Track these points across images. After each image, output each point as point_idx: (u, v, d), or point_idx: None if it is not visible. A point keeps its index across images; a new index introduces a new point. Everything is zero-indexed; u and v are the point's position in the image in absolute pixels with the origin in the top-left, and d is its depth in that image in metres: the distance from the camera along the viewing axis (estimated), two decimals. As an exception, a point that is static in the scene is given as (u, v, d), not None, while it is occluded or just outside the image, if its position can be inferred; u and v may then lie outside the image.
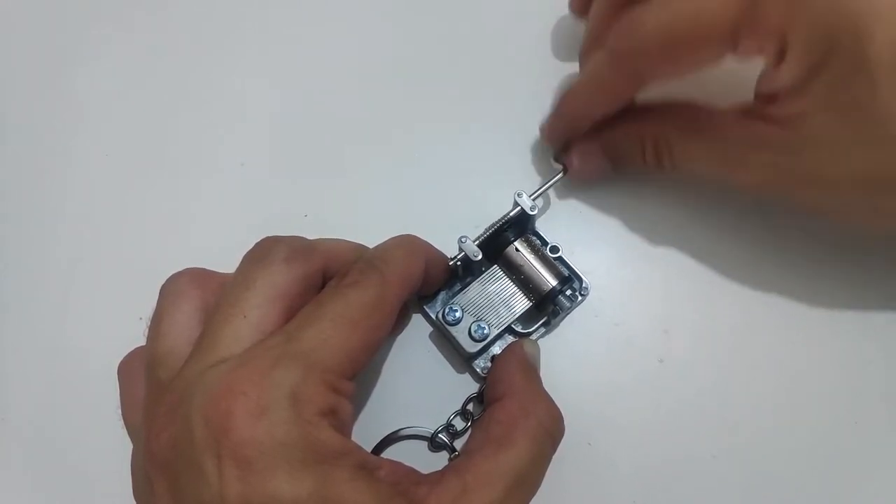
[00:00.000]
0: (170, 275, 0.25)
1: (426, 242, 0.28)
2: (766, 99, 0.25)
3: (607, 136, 0.30)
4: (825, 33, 0.22)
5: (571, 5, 0.33)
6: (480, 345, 0.29)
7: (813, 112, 0.23)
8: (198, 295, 0.24)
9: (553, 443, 0.25)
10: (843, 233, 0.31)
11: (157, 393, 0.22)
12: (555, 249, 0.31)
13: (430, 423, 0.29)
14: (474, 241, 0.29)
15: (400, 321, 0.31)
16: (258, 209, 0.34)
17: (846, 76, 0.22)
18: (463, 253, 0.28)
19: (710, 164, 0.28)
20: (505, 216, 0.29)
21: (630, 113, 0.30)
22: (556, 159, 0.32)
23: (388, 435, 0.29)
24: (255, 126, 0.36)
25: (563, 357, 0.30)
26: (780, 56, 0.23)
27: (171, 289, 0.24)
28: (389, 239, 0.27)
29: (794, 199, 0.27)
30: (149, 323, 0.24)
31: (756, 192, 0.28)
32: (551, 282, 0.29)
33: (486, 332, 0.29)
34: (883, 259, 0.31)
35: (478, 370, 0.30)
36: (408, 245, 0.26)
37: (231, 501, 0.19)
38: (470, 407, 0.30)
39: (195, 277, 0.24)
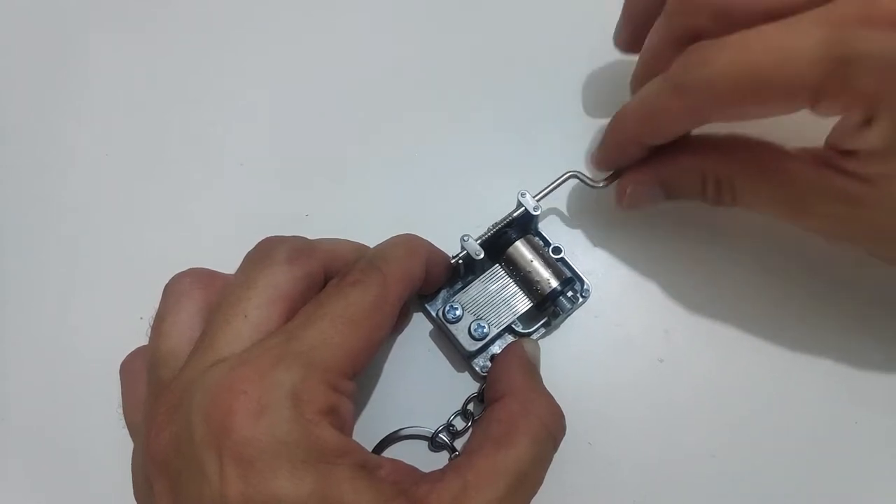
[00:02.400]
0: (171, 274, 0.25)
1: (427, 241, 0.28)
2: (844, 152, 0.23)
3: (665, 168, 0.29)
4: None
5: (617, 38, 0.31)
6: (480, 343, 0.29)
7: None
8: (201, 295, 0.24)
9: (554, 442, 0.25)
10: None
11: (158, 392, 0.22)
12: (557, 250, 0.31)
13: (431, 423, 0.29)
14: (477, 240, 0.29)
15: (401, 320, 0.31)
16: (258, 209, 0.34)
17: None
18: (465, 251, 0.28)
19: (775, 207, 0.27)
20: (508, 216, 0.29)
21: (690, 143, 0.28)
22: (608, 181, 0.31)
23: (389, 435, 0.29)
24: (255, 126, 0.36)
25: (563, 357, 0.30)
26: (867, 121, 0.22)
27: (175, 288, 0.24)
28: (390, 238, 0.27)
29: (866, 249, 0.27)
30: (151, 322, 0.24)
31: (822, 236, 0.27)
32: (552, 283, 0.29)
33: (485, 331, 0.29)
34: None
35: (477, 369, 0.30)
36: (408, 244, 0.26)
37: (232, 500, 0.19)
38: (470, 406, 0.30)
39: (198, 277, 0.24)
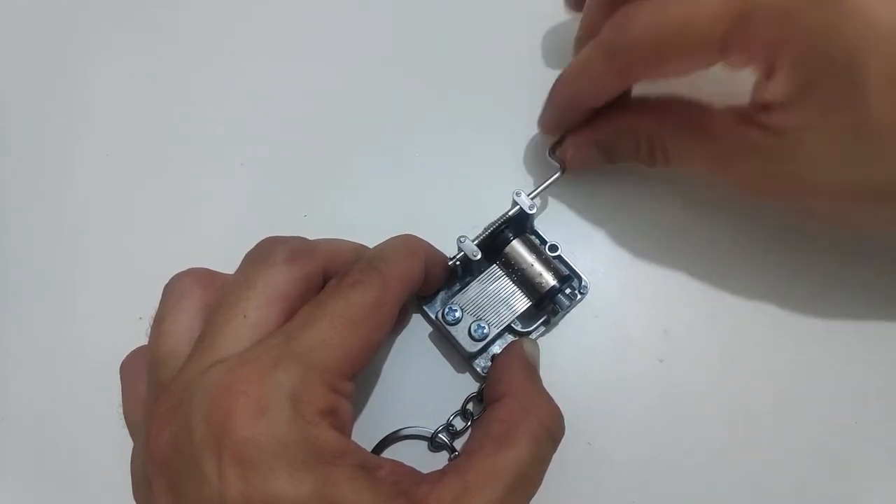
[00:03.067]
0: (171, 275, 0.25)
1: (426, 242, 0.28)
2: (759, 107, 0.24)
3: (601, 129, 0.30)
4: (817, 55, 0.22)
5: (567, 2, 0.33)
6: (480, 344, 0.29)
7: (804, 126, 0.24)
8: (201, 295, 0.24)
9: (554, 442, 0.25)
10: (840, 233, 0.31)
11: (158, 392, 0.22)
12: (554, 248, 0.31)
13: (430, 423, 0.29)
14: (473, 241, 0.29)
15: (400, 321, 0.31)
16: (258, 209, 0.34)
17: (838, 97, 0.22)
18: (462, 252, 0.28)
19: (703, 163, 0.28)
20: (504, 215, 0.29)
21: (625, 105, 0.29)
22: (551, 153, 0.32)
23: (388, 435, 0.29)
24: (256, 126, 0.36)
25: (563, 357, 0.30)
26: (770, 71, 0.23)
27: (175, 288, 0.24)
28: (389, 239, 0.27)
29: (784, 202, 0.28)
30: (150, 322, 0.24)
31: (747, 194, 0.28)
32: (550, 280, 0.29)
33: (485, 331, 0.29)
34: (882, 258, 0.31)
35: (478, 370, 0.30)
36: (407, 245, 0.26)
37: (231, 501, 0.19)
38: (470, 406, 0.30)
39: (199, 277, 0.24)
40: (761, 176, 0.26)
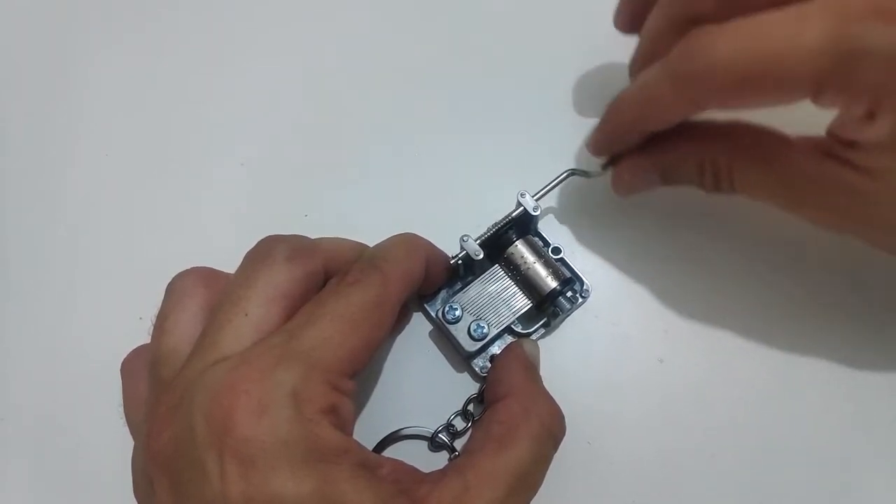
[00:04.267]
0: (171, 275, 0.25)
1: (427, 241, 0.28)
2: (846, 143, 0.23)
3: (663, 154, 0.28)
4: None
5: (618, 19, 0.31)
6: (479, 344, 0.29)
7: None
8: (203, 294, 0.24)
9: (554, 442, 0.25)
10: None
11: (160, 391, 0.22)
12: (557, 251, 0.31)
13: (430, 423, 0.29)
14: (476, 241, 0.29)
15: (400, 320, 0.31)
16: (258, 209, 0.34)
17: None
18: (464, 252, 0.28)
19: (774, 196, 0.26)
20: (507, 216, 0.29)
21: (689, 130, 0.28)
22: (605, 167, 0.30)
23: (389, 434, 0.29)
24: (256, 126, 0.36)
25: (563, 357, 0.30)
26: (870, 115, 0.21)
27: (178, 287, 0.24)
28: (390, 237, 0.27)
29: (866, 240, 0.27)
30: (152, 321, 0.24)
31: (821, 227, 0.27)
32: (552, 283, 0.29)
33: (485, 331, 0.29)
34: (884, 258, 0.31)
35: (476, 369, 0.30)
36: (408, 243, 0.26)
37: (233, 500, 0.19)
38: (470, 407, 0.30)
39: (201, 276, 0.24)
40: (843, 213, 0.25)
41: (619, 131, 0.29)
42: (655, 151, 0.29)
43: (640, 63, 0.28)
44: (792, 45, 0.21)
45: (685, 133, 0.28)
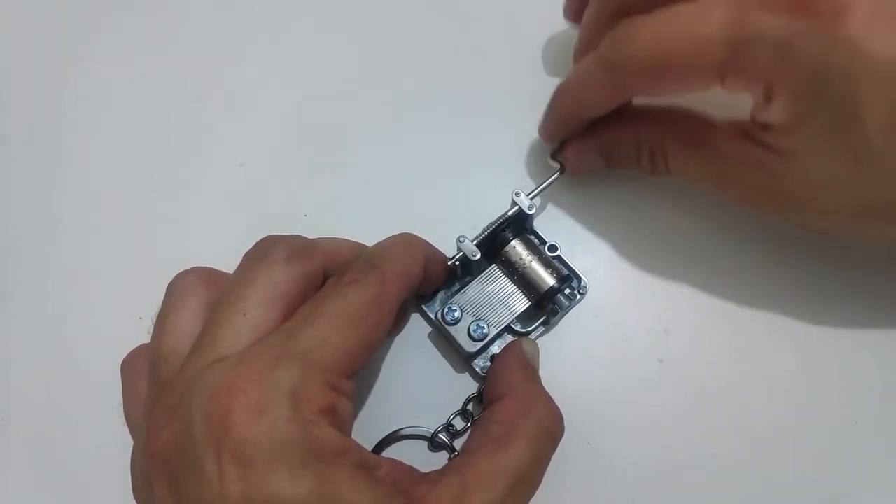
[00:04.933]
0: (171, 275, 0.25)
1: (425, 241, 0.28)
2: (760, 125, 0.25)
3: (603, 137, 0.30)
4: (814, 85, 0.22)
5: (566, 12, 0.33)
6: (480, 344, 0.29)
7: (803, 149, 0.24)
8: (204, 294, 0.24)
9: (553, 442, 0.25)
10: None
11: (159, 391, 0.22)
12: (553, 248, 0.31)
13: (430, 423, 0.29)
14: (473, 241, 0.29)
15: (399, 321, 0.31)
16: (258, 209, 0.34)
17: (836, 125, 0.22)
18: (461, 253, 0.28)
19: (703, 175, 0.28)
20: (503, 215, 0.29)
21: (627, 114, 0.30)
22: (553, 157, 0.32)
23: (388, 435, 0.29)
24: (255, 126, 0.36)
25: (563, 357, 0.30)
26: (768, 98, 0.23)
27: (178, 287, 0.24)
28: (388, 237, 0.27)
29: (783, 217, 0.28)
30: (152, 321, 0.24)
31: (746, 207, 0.28)
32: (549, 280, 0.29)
33: (485, 331, 0.29)
34: (882, 259, 0.31)
35: (477, 370, 0.30)
36: (407, 243, 0.26)
37: (231, 500, 0.19)
38: (470, 407, 0.30)
39: (202, 276, 0.25)
40: (761, 192, 0.27)
41: (562, 118, 0.31)
42: (596, 135, 0.30)
43: (581, 52, 0.31)
44: (695, 35, 0.23)
45: (623, 118, 0.30)
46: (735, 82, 0.24)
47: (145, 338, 0.25)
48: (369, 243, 0.27)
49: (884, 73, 0.21)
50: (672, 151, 0.28)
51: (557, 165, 0.32)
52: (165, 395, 0.21)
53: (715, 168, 0.27)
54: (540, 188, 0.30)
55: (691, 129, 0.28)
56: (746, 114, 0.25)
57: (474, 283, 0.30)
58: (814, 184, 0.25)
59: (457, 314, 0.29)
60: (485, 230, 0.29)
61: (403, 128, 0.35)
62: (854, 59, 0.21)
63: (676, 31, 0.24)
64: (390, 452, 0.29)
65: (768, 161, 0.25)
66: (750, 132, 0.25)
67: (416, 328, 0.31)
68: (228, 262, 0.24)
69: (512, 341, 0.29)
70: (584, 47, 0.30)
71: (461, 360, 0.30)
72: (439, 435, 0.29)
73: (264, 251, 0.24)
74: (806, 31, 0.21)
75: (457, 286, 0.31)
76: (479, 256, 0.28)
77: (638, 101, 0.29)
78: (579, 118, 0.30)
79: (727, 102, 0.26)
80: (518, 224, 0.30)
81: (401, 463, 0.23)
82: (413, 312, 0.31)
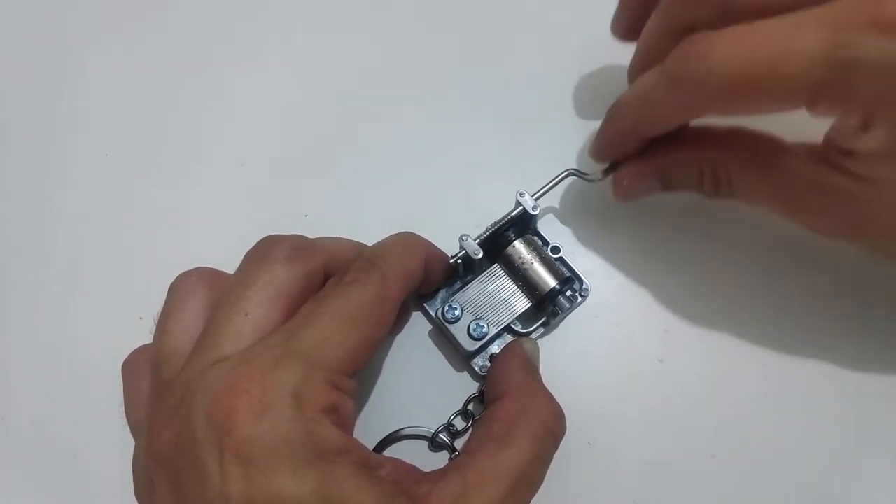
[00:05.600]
0: (171, 275, 0.25)
1: (425, 240, 0.28)
2: (842, 151, 0.23)
3: (663, 160, 0.29)
4: None
5: (615, 28, 0.31)
6: (479, 343, 0.29)
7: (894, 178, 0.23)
8: (206, 294, 0.24)
9: (555, 441, 0.25)
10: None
11: (161, 391, 0.22)
12: (556, 250, 0.31)
13: (431, 423, 0.29)
14: (475, 240, 0.29)
15: (400, 319, 0.31)
16: (258, 209, 0.34)
17: None
18: (464, 251, 0.28)
19: (773, 201, 0.27)
20: (507, 215, 0.29)
21: (689, 136, 0.28)
22: (606, 172, 0.31)
23: (389, 434, 0.29)
24: (256, 126, 0.36)
25: (563, 357, 0.30)
26: (865, 125, 0.22)
27: (180, 287, 0.24)
28: (389, 236, 0.27)
29: (860, 244, 0.27)
30: (154, 321, 0.24)
31: (817, 233, 0.27)
32: (551, 282, 0.29)
33: (485, 330, 0.29)
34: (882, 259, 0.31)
35: (476, 369, 0.30)
36: (407, 242, 0.26)
37: (234, 499, 0.19)
38: (471, 406, 0.30)
39: (204, 276, 0.25)
40: (839, 219, 0.25)
41: (619, 136, 0.29)
42: (655, 157, 0.29)
43: (638, 69, 0.28)
44: (787, 52, 0.21)
45: (685, 139, 0.28)
46: (828, 106, 0.22)
47: (147, 338, 0.25)
48: (370, 243, 0.27)
49: None
50: (738, 175, 0.27)
51: (566, 169, 0.30)
52: (167, 395, 0.21)
53: (785, 195, 0.26)
54: (544, 189, 0.30)
55: (760, 152, 0.26)
56: (811, 136, 0.24)
57: (476, 282, 0.30)
58: None
59: (457, 312, 0.29)
60: (488, 229, 0.29)
61: (405, 127, 0.35)
62: None
63: (764, 48, 0.21)
64: (391, 452, 0.29)
65: (851, 188, 0.23)
66: (830, 158, 0.24)
67: (417, 327, 0.31)
68: (229, 262, 0.24)
69: (512, 341, 0.29)
70: (643, 63, 0.28)
71: (461, 359, 0.30)
72: (440, 435, 0.29)
73: (265, 251, 0.24)
74: None
75: (458, 285, 0.31)
76: (481, 255, 0.28)
77: (698, 121, 0.28)
78: (637, 137, 0.28)
79: (791, 123, 0.24)
80: (521, 224, 0.30)
81: (402, 462, 0.23)
82: (414, 310, 0.31)
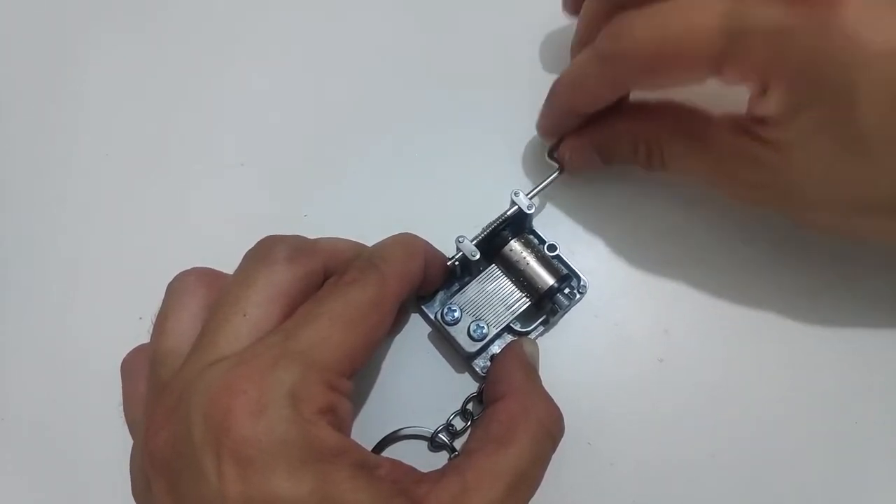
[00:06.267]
0: (171, 275, 0.25)
1: (424, 240, 0.28)
2: (755, 119, 0.24)
3: (599, 132, 0.30)
4: (809, 76, 0.22)
5: (565, 5, 0.33)
6: (479, 344, 0.29)
7: (799, 143, 0.24)
8: (204, 294, 0.24)
9: (553, 442, 0.25)
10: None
11: (158, 391, 0.22)
12: (552, 248, 0.31)
13: (430, 423, 0.29)
14: (472, 241, 0.29)
15: (398, 321, 0.31)
16: (258, 209, 0.34)
17: (831, 117, 0.22)
18: (461, 253, 0.28)
19: (700, 171, 0.28)
20: (502, 215, 0.29)
21: (623, 109, 0.29)
22: (550, 155, 0.32)
23: (388, 435, 0.29)
24: (255, 127, 0.36)
25: (563, 357, 0.30)
26: (763, 89, 0.23)
27: (178, 287, 0.24)
28: (388, 237, 0.27)
29: (779, 212, 0.28)
30: (152, 321, 0.24)
31: (741, 202, 0.28)
32: (549, 280, 0.29)
33: (484, 331, 0.29)
34: (882, 259, 0.31)
35: (477, 369, 0.30)
36: (406, 243, 0.26)
37: (231, 500, 0.19)
38: (470, 406, 0.30)
39: (202, 277, 0.25)
40: (757, 186, 0.26)
41: (559, 113, 0.31)
42: (592, 131, 0.30)
43: (577, 47, 0.31)
44: (692, 26, 0.23)
45: (619, 112, 0.29)
46: (731, 74, 0.24)
47: (145, 338, 0.25)
48: (369, 243, 0.27)
49: (878, 65, 0.21)
50: (668, 146, 0.28)
51: (555, 164, 0.31)
52: (165, 396, 0.21)
53: (711, 163, 0.27)
54: (539, 188, 0.30)
55: (687, 123, 0.28)
56: (743, 108, 0.25)
57: (474, 283, 0.30)
58: (809, 178, 0.24)
59: (456, 314, 0.29)
60: (484, 230, 0.29)
61: (403, 128, 0.35)
62: (848, 50, 0.21)
63: (674, 23, 0.24)
64: (390, 452, 0.29)
65: (764, 155, 0.25)
66: (746, 126, 0.25)
67: (416, 328, 0.31)
68: (228, 262, 0.24)
69: (512, 341, 0.29)
70: (581, 41, 0.30)
71: (461, 359, 0.30)
72: (439, 435, 0.29)
73: (265, 251, 0.24)
74: (801, 22, 0.21)
75: (456, 286, 0.31)
76: (478, 256, 0.28)
77: (634, 96, 0.29)
78: (576, 113, 0.30)
79: (723, 96, 0.26)
80: (517, 224, 0.30)
81: (401, 462, 0.23)
82: (413, 313, 0.31)
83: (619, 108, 0.29)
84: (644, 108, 0.29)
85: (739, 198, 0.28)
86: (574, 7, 0.32)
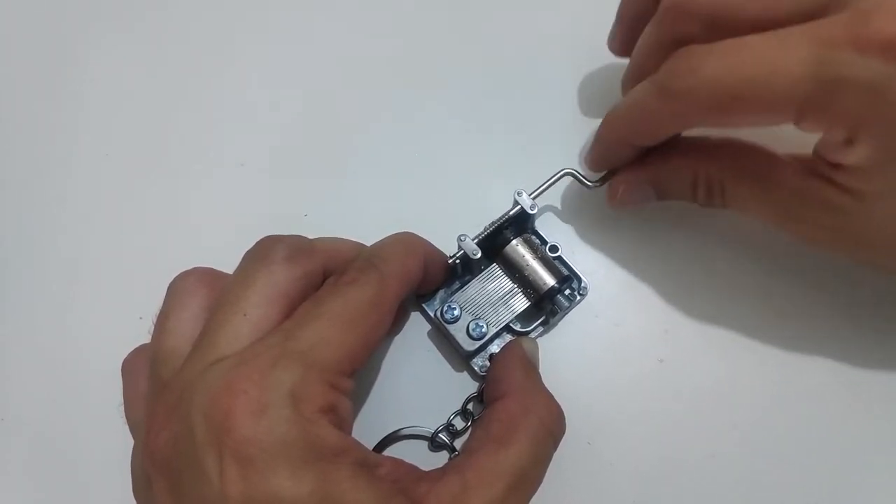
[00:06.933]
0: (171, 275, 0.25)
1: (424, 240, 0.28)
2: (830, 164, 0.23)
3: (657, 169, 0.29)
4: None
5: (611, 43, 0.32)
6: (478, 343, 0.29)
7: (883, 193, 0.23)
8: (205, 294, 0.24)
9: (554, 441, 0.25)
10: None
11: (159, 391, 0.22)
12: (554, 249, 0.31)
13: (430, 423, 0.29)
14: (473, 240, 0.29)
15: (399, 320, 0.31)
16: (258, 209, 0.34)
17: None
18: (462, 251, 0.28)
19: (764, 212, 0.27)
20: (504, 215, 0.29)
21: (683, 145, 0.28)
22: (603, 180, 0.31)
23: (389, 434, 0.29)
24: (256, 126, 0.36)
25: (563, 357, 0.30)
26: (849, 141, 0.22)
27: (179, 287, 0.24)
28: (388, 237, 0.27)
29: (849, 256, 0.27)
30: (153, 321, 0.24)
31: (808, 244, 0.27)
32: (550, 281, 0.29)
33: (484, 330, 0.29)
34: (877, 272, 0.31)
35: (476, 368, 0.30)
36: (406, 242, 0.26)
37: (233, 500, 0.19)
38: (470, 406, 0.30)
39: (203, 276, 0.25)
40: (829, 231, 0.25)
41: (613, 146, 0.29)
42: (650, 166, 0.29)
43: (631, 80, 0.29)
44: (774, 69, 0.22)
45: (678, 148, 0.28)
46: (814, 123, 0.22)
47: (146, 338, 0.25)
48: (369, 243, 0.27)
49: None
50: (731, 186, 0.27)
51: (562, 169, 0.31)
52: (165, 396, 0.21)
53: (776, 206, 0.26)
54: (542, 188, 0.30)
55: (752, 163, 0.27)
56: (793, 144, 0.25)
57: (474, 281, 0.30)
58: (887, 228, 0.24)
59: (456, 312, 0.29)
60: (486, 229, 0.29)
61: (404, 127, 0.35)
62: None
63: (752, 64, 0.22)
64: (391, 452, 0.29)
65: (839, 200, 0.24)
66: (820, 170, 0.24)
67: (416, 327, 0.31)
68: (229, 262, 0.24)
69: (511, 340, 0.29)
70: (636, 75, 0.28)
71: (461, 359, 0.30)
72: (439, 435, 0.29)
73: (264, 251, 0.24)
74: None
75: (457, 285, 0.31)
76: (479, 255, 0.28)
77: (691, 132, 0.28)
78: (631, 147, 0.29)
79: (770, 134, 0.25)
80: (519, 223, 0.30)
81: (402, 461, 0.23)
82: (413, 311, 0.31)
83: (677, 143, 0.28)
84: (705, 145, 0.28)
85: (806, 240, 0.27)
86: (622, 46, 0.31)
